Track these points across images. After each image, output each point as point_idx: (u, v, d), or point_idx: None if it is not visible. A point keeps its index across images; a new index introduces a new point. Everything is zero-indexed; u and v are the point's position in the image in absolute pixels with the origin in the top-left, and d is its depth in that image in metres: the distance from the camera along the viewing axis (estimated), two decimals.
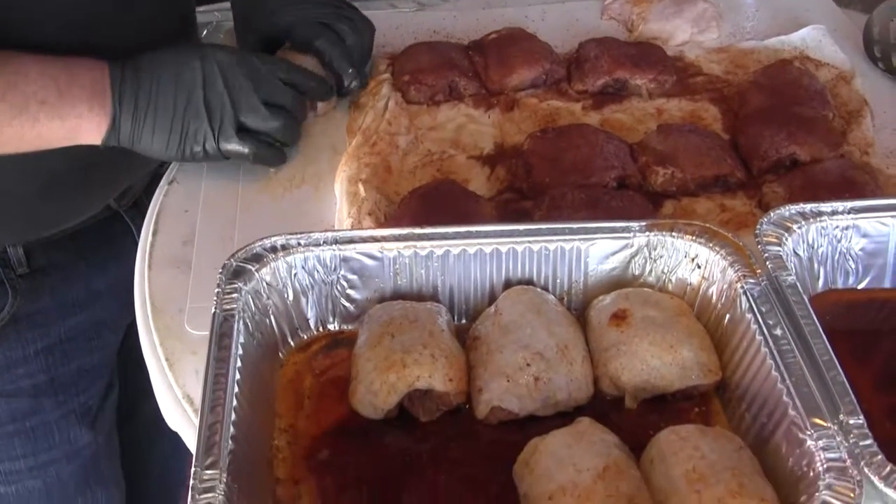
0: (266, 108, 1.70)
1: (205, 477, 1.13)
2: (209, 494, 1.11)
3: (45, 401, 1.91)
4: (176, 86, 1.63)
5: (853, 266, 1.53)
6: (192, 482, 1.12)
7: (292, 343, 1.46)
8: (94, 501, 2.06)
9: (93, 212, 1.88)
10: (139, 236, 1.73)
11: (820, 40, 2.14)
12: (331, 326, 1.49)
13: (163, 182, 1.83)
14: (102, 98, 1.59)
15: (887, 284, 1.55)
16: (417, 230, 1.45)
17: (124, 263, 1.70)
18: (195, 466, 1.14)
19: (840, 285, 1.54)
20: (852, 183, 1.69)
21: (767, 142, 1.79)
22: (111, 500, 2.11)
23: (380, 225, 1.62)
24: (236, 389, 1.24)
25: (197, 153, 1.68)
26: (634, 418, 1.37)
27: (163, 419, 1.48)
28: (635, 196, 1.69)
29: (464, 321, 1.50)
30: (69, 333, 1.92)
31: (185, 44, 1.86)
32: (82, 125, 1.58)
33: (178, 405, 1.43)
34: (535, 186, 1.73)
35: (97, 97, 1.59)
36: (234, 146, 1.69)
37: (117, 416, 2.13)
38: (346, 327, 1.49)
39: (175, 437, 1.45)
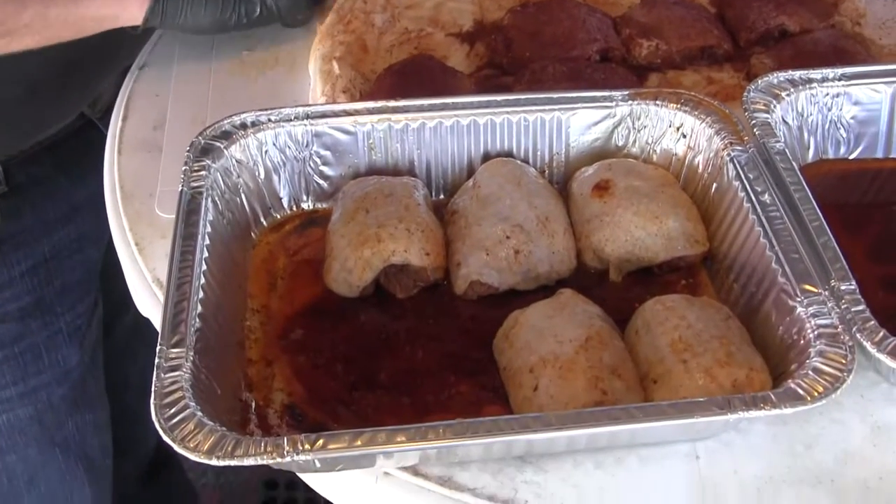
0: None
1: (171, 355, 1.09)
2: (175, 373, 1.07)
3: (33, 323, 1.87)
4: None
5: (844, 135, 1.49)
6: (157, 360, 1.08)
7: (265, 223, 1.42)
8: (84, 424, 2.04)
9: (69, 118, 1.83)
10: None
11: None
12: (304, 205, 1.45)
13: (133, 67, 1.77)
14: None
15: (880, 154, 1.51)
16: (391, 103, 1.41)
17: (103, 174, 1.66)
18: (160, 345, 1.10)
19: (831, 155, 1.50)
20: (843, 52, 1.64)
21: (755, 12, 1.74)
22: (98, 420, 2.09)
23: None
24: (204, 268, 1.21)
25: (252, 12, 1.66)
26: (619, 292, 1.33)
27: (140, 331, 1.44)
28: (618, 68, 1.65)
29: (442, 196, 1.45)
30: (52, 251, 1.88)
31: None
32: None
33: (149, 289, 1.38)
34: (515, 61, 1.68)
35: None
36: None
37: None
38: (320, 205, 1.45)
39: (153, 349, 1.41)
